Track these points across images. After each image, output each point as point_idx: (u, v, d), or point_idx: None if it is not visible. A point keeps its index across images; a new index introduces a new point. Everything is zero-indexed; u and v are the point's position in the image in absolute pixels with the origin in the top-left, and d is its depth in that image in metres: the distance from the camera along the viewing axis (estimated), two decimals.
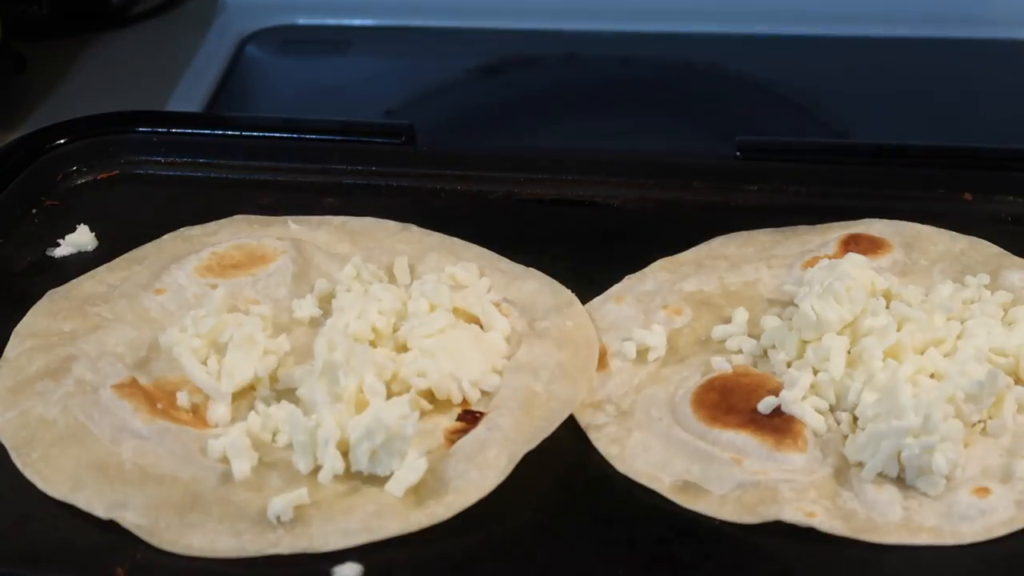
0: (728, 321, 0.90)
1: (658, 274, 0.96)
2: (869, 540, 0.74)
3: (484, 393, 0.84)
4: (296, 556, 0.74)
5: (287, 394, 0.84)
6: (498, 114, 1.24)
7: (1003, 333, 0.84)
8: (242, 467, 0.78)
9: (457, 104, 1.26)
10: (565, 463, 0.81)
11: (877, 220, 0.99)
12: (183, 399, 0.84)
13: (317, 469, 0.78)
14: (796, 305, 0.86)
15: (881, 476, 0.77)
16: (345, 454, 0.78)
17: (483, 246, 0.98)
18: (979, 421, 0.80)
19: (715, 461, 0.79)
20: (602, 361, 0.88)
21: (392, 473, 0.77)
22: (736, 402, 0.82)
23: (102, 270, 0.97)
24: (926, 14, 1.26)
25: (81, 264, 0.99)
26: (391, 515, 0.76)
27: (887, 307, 0.85)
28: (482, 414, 0.82)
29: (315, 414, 0.79)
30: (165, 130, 1.14)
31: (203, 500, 0.77)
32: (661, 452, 0.81)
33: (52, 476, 0.78)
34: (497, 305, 0.90)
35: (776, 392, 0.82)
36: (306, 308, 0.91)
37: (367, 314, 0.87)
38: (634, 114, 1.23)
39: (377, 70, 1.40)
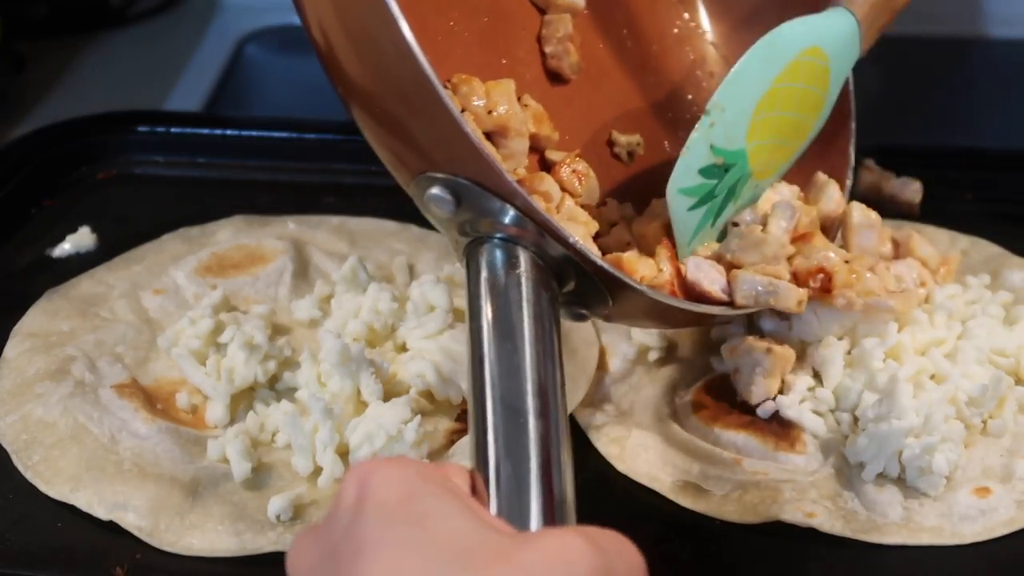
0: (728, 321, 0.90)
1: None
2: (869, 540, 0.74)
3: None
4: None
5: (287, 394, 0.84)
6: None
7: (1004, 333, 0.84)
8: (242, 467, 0.78)
9: None
10: None
11: None
12: (182, 399, 0.84)
13: (317, 470, 0.78)
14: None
15: (882, 476, 0.77)
16: (344, 455, 0.78)
17: None
18: (980, 421, 0.80)
19: (715, 461, 0.79)
20: (602, 361, 0.88)
21: None
22: (736, 402, 0.82)
23: (101, 270, 0.97)
24: (926, 14, 1.26)
25: (81, 264, 0.99)
26: None
27: None
28: None
29: (313, 416, 0.79)
30: (165, 129, 1.14)
31: (203, 500, 0.77)
32: (661, 452, 0.80)
33: (53, 478, 0.78)
34: None
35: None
36: (305, 309, 0.91)
37: (365, 314, 0.87)
38: None
39: None
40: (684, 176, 0.73)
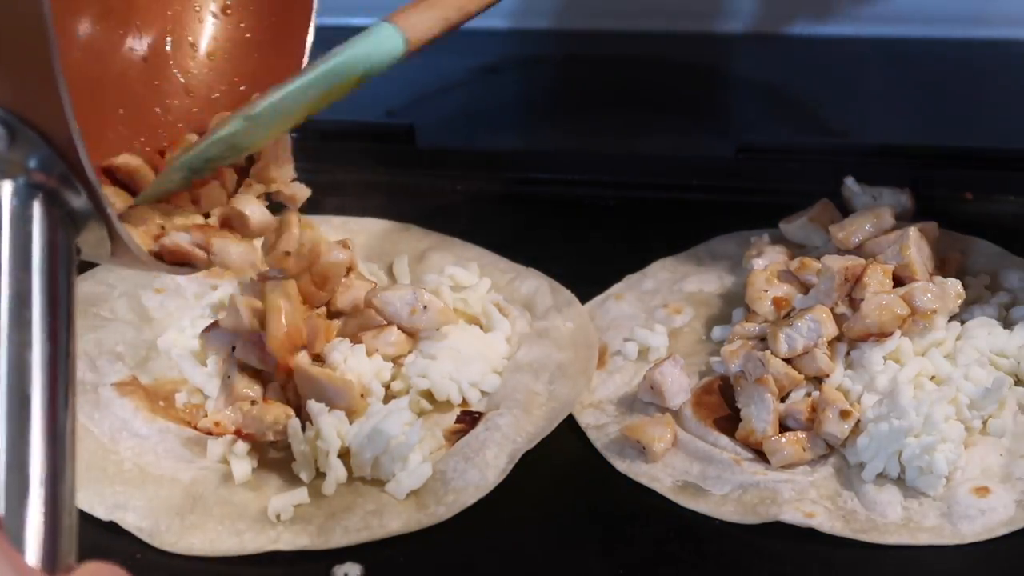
0: (728, 321, 0.90)
1: (658, 273, 0.96)
2: (869, 540, 0.74)
3: (484, 393, 0.84)
4: (296, 554, 0.74)
5: None
6: (498, 114, 1.24)
7: (1003, 334, 0.84)
8: (243, 467, 0.78)
9: (457, 104, 1.26)
10: (565, 463, 0.81)
11: None
12: (182, 399, 0.84)
13: (317, 474, 0.78)
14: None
15: (882, 476, 0.77)
16: (345, 457, 0.78)
17: (483, 246, 0.98)
18: (980, 423, 0.80)
19: (715, 461, 0.79)
20: (602, 359, 0.88)
21: (394, 475, 0.77)
22: (735, 404, 0.82)
23: (101, 270, 0.97)
24: (926, 14, 1.26)
25: (81, 264, 0.98)
26: (391, 514, 0.76)
27: None
28: (481, 414, 0.82)
29: (314, 419, 0.79)
30: None
31: (203, 501, 0.77)
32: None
33: None
34: (497, 305, 0.90)
35: None
36: None
37: None
38: (634, 114, 1.23)
39: None
40: (196, 160, 0.72)
